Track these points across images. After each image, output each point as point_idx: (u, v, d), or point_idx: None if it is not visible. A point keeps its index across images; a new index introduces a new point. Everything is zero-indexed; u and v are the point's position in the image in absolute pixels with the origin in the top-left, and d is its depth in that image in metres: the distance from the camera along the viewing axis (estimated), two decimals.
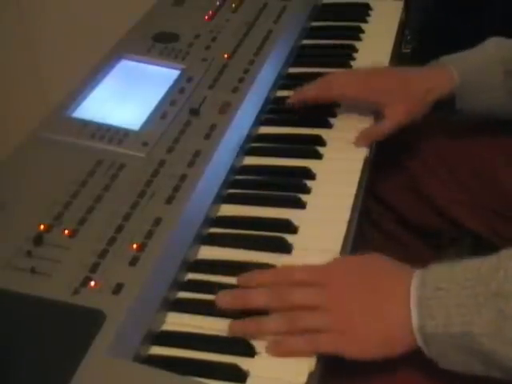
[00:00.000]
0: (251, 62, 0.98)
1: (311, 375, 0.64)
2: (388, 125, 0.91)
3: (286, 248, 0.76)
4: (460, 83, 0.92)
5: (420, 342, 0.65)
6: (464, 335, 0.63)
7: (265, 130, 0.95)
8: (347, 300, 0.68)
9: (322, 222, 0.79)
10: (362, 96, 0.93)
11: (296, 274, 0.71)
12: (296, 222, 0.79)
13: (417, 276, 0.67)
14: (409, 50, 1.60)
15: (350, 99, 0.94)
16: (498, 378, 0.64)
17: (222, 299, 0.69)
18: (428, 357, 0.66)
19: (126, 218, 0.73)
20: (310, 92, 0.94)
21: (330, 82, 0.94)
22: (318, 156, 0.89)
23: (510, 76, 0.91)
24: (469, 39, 0.96)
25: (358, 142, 0.90)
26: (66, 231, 0.71)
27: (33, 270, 0.67)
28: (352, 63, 1.05)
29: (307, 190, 0.84)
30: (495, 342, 0.62)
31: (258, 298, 0.69)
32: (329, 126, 0.94)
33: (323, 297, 0.68)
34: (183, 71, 0.95)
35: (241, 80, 0.94)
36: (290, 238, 0.77)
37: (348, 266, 0.72)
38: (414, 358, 0.68)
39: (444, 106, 0.94)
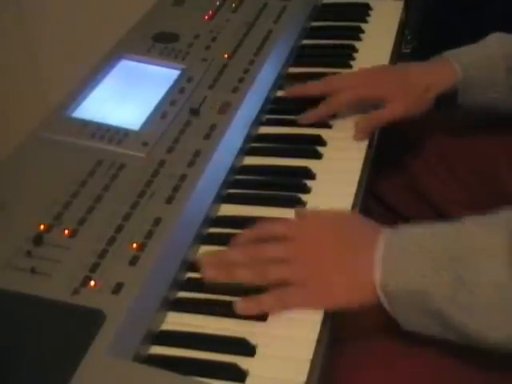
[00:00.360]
0: (251, 62, 0.98)
1: (311, 374, 0.64)
2: (386, 115, 0.92)
3: None
4: (462, 78, 0.92)
5: (382, 297, 0.67)
6: (422, 294, 0.64)
7: (265, 129, 0.95)
8: (316, 253, 0.71)
9: None
10: (362, 93, 0.93)
11: (269, 228, 0.73)
12: None
13: (384, 235, 0.69)
14: (409, 50, 1.60)
15: (351, 99, 0.93)
16: (453, 341, 0.66)
17: (205, 260, 0.72)
18: (391, 315, 0.67)
19: (126, 217, 0.73)
20: (322, 112, 0.94)
21: (332, 84, 0.94)
22: (318, 156, 0.89)
23: None
24: (469, 39, 0.97)
25: (357, 129, 0.91)
26: (66, 231, 0.72)
27: (33, 270, 0.67)
28: (352, 63, 1.05)
29: (307, 190, 0.84)
30: (451, 306, 0.63)
31: (234, 256, 0.72)
32: (329, 126, 0.94)
33: (293, 249, 0.71)
34: (183, 71, 0.95)
35: (241, 80, 0.94)
36: None
37: (322, 221, 0.74)
38: (413, 351, 0.69)
39: (446, 102, 0.95)
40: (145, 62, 0.97)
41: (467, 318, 0.63)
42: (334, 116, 0.95)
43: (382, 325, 0.72)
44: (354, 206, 0.81)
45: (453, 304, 0.63)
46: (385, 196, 1.06)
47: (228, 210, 0.82)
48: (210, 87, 0.93)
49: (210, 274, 0.71)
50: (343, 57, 1.07)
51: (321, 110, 0.93)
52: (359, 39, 1.11)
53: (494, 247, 0.64)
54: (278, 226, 0.74)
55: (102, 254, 0.69)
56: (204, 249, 0.77)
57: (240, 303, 0.68)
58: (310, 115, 0.93)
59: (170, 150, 0.82)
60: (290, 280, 0.69)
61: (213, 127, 0.86)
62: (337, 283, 0.69)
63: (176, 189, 0.77)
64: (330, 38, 1.12)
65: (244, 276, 0.70)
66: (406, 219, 1.05)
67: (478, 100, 0.94)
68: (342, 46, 1.10)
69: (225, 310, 0.69)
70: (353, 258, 0.70)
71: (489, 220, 0.67)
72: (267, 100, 0.97)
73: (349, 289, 0.68)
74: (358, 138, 0.91)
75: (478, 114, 0.97)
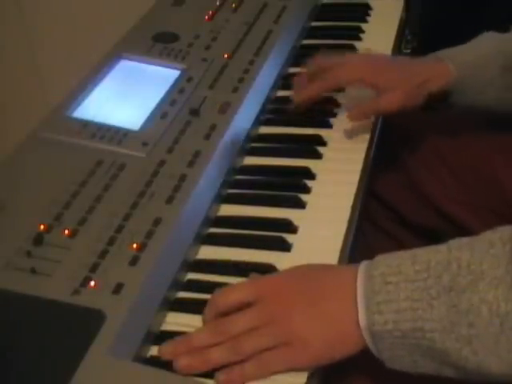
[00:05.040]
0: (251, 62, 0.98)
1: (311, 377, 0.64)
2: (382, 104, 0.92)
3: (285, 248, 0.76)
4: (457, 77, 0.92)
5: (368, 341, 0.62)
6: (414, 331, 0.60)
7: (265, 130, 0.95)
8: (287, 310, 0.64)
9: (322, 222, 0.79)
10: (360, 74, 0.93)
11: (230, 298, 0.67)
12: (296, 222, 0.79)
13: (362, 270, 0.64)
14: (409, 50, 1.59)
15: (348, 78, 0.94)
16: (450, 378, 0.62)
17: (165, 352, 0.65)
18: (376, 357, 0.63)
19: (126, 217, 0.73)
20: (313, 91, 0.94)
21: (333, 60, 0.95)
22: (318, 156, 0.89)
23: (506, 70, 0.92)
24: (469, 39, 0.97)
25: (352, 116, 0.91)
26: (66, 231, 0.71)
27: (33, 270, 0.67)
28: None
29: (307, 190, 0.84)
30: (447, 338, 0.59)
31: (199, 338, 0.65)
32: (329, 125, 0.94)
33: (262, 313, 0.65)
34: (183, 71, 0.95)
35: (241, 80, 0.94)
36: (289, 237, 0.77)
37: (282, 277, 0.69)
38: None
39: (438, 100, 0.95)
40: (145, 62, 0.97)
41: (468, 352, 0.58)
42: (334, 116, 0.95)
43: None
44: (354, 206, 0.81)
45: (448, 336, 0.59)
46: (384, 195, 1.06)
47: (228, 210, 0.82)
48: (210, 87, 0.93)
49: (183, 363, 0.63)
50: None
51: (316, 84, 0.94)
52: (359, 39, 1.11)
53: (494, 273, 0.59)
54: (235, 295, 0.67)
55: (102, 254, 0.69)
56: (204, 249, 0.77)
57: (222, 376, 0.62)
58: (309, 89, 0.94)
59: (170, 150, 0.82)
60: (267, 346, 0.63)
61: (213, 127, 0.86)
62: (313, 337, 0.63)
63: (176, 189, 0.77)
64: (330, 38, 1.12)
65: (219, 357, 0.63)
66: (405, 218, 1.05)
67: (471, 99, 0.94)
68: (342, 46, 1.10)
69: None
70: (329, 305, 0.64)
71: (480, 244, 0.62)
72: (267, 100, 0.97)
73: (327, 340, 0.63)
74: (352, 119, 0.92)
75: (473, 114, 0.97)
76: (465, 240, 0.63)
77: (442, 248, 0.63)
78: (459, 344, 0.59)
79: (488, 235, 0.62)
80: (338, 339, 0.63)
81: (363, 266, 0.65)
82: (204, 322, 0.67)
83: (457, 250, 0.62)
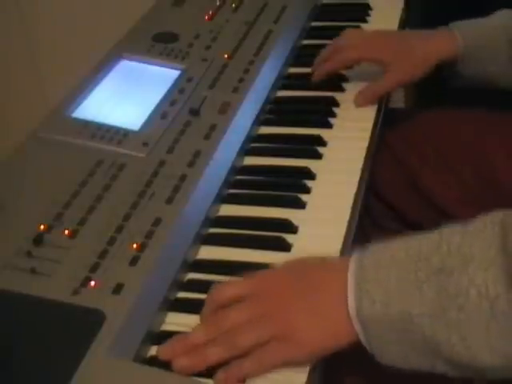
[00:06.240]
0: (251, 62, 0.98)
1: (311, 375, 0.64)
2: (387, 82, 0.96)
3: (285, 248, 0.76)
4: (464, 47, 0.94)
5: (358, 330, 0.61)
6: (402, 315, 0.58)
7: (265, 130, 0.95)
8: (281, 304, 0.65)
9: (322, 222, 0.79)
10: (363, 53, 0.98)
11: (226, 292, 0.67)
12: (296, 222, 0.79)
13: (354, 260, 0.63)
14: None
15: (357, 60, 0.99)
16: (443, 375, 0.60)
17: (163, 352, 0.64)
18: (368, 350, 0.62)
19: (126, 218, 0.73)
20: (328, 67, 0.99)
21: (337, 43, 1.00)
22: (318, 156, 0.89)
23: None
24: None
25: (358, 101, 0.95)
26: (66, 231, 0.71)
27: (33, 270, 0.67)
28: None
29: (307, 190, 0.84)
30: (436, 323, 0.57)
31: (197, 336, 0.64)
32: (329, 125, 0.94)
33: (256, 307, 0.65)
34: (183, 71, 0.95)
35: (241, 80, 0.94)
36: (289, 237, 0.77)
37: (276, 273, 0.69)
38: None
39: (446, 70, 0.98)
40: (145, 62, 0.97)
41: (457, 340, 0.57)
42: (335, 116, 0.95)
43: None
44: (354, 206, 0.81)
45: (438, 321, 0.57)
46: (385, 195, 1.06)
47: (228, 210, 0.82)
48: (210, 87, 0.93)
49: (182, 364, 0.62)
50: None
51: (327, 65, 0.99)
52: None
53: (484, 256, 0.57)
54: (230, 290, 0.67)
55: (102, 255, 0.69)
56: (204, 249, 0.77)
57: (221, 374, 0.62)
58: (318, 73, 1.00)
59: (170, 150, 0.82)
60: (262, 340, 0.63)
61: (213, 127, 0.86)
62: (306, 330, 0.63)
63: (176, 189, 0.77)
64: (330, 38, 1.11)
65: (216, 354, 0.63)
66: (406, 217, 1.05)
67: (477, 71, 0.96)
68: None
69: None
70: (322, 299, 0.64)
71: (471, 228, 0.61)
72: (267, 100, 0.97)
73: (320, 332, 0.62)
74: (359, 105, 0.95)
75: (478, 86, 0.99)
76: (457, 225, 0.62)
77: (433, 233, 0.62)
78: (447, 329, 0.57)
79: (479, 219, 0.62)
80: (330, 331, 0.63)
81: (355, 255, 0.64)
82: (201, 319, 0.67)
83: (448, 234, 0.61)
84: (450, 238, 0.60)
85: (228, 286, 0.68)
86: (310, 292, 0.65)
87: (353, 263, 0.63)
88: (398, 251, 0.62)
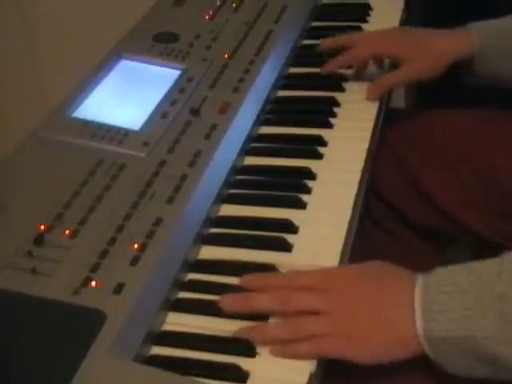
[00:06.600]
0: (251, 62, 0.98)
1: (312, 375, 0.64)
2: (399, 76, 0.97)
3: (286, 248, 0.76)
4: (480, 46, 0.95)
5: (425, 347, 0.64)
6: (468, 339, 0.62)
7: (265, 130, 0.95)
8: (351, 305, 0.67)
9: (323, 222, 0.79)
10: (378, 50, 0.99)
11: (300, 279, 0.69)
12: (296, 222, 0.79)
13: (420, 280, 0.66)
14: None
15: (367, 55, 1.00)
16: (505, 380, 0.64)
17: (226, 301, 0.68)
18: (434, 361, 0.65)
19: (127, 217, 0.73)
20: (341, 62, 1.00)
21: (352, 38, 1.01)
22: (319, 156, 0.89)
23: None
24: None
25: (370, 92, 0.96)
26: (67, 231, 0.71)
27: (33, 270, 0.67)
28: None
29: (307, 190, 0.83)
30: (500, 345, 0.61)
31: (261, 302, 0.68)
32: (329, 125, 0.94)
33: (327, 302, 0.67)
34: (183, 71, 0.95)
35: (241, 80, 0.94)
36: (290, 238, 0.77)
37: (351, 272, 0.71)
38: (417, 359, 0.68)
39: (462, 69, 0.99)
40: (145, 62, 0.97)
41: None
42: (334, 116, 0.95)
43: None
44: (354, 206, 0.81)
45: (501, 343, 0.61)
46: (385, 195, 1.06)
47: (229, 210, 0.82)
48: (211, 87, 0.93)
49: (240, 334, 0.67)
50: None
51: (338, 60, 0.99)
52: None
53: None
54: (304, 278, 0.70)
55: (103, 254, 0.69)
56: (205, 249, 0.77)
57: (276, 349, 0.65)
58: (328, 65, 1.00)
59: (170, 150, 0.82)
60: (327, 334, 0.66)
61: (213, 127, 0.85)
62: (373, 338, 0.66)
63: (177, 189, 0.77)
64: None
65: (277, 333, 0.66)
66: (406, 218, 1.05)
67: (493, 69, 0.97)
68: None
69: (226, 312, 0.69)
70: (390, 309, 0.66)
71: None
72: (267, 100, 0.97)
73: (390, 343, 0.66)
74: (370, 97, 0.96)
75: (492, 85, 0.99)
76: None
77: (495, 260, 0.65)
78: (510, 349, 0.61)
79: None
80: (397, 344, 0.65)
81: (421, 275, 0.67)
82: (260, 281, 0.70)
83: (509, 261, 0.64)
84: (511, 266, 0.63)
85: (305, 275, 0.70)
86: (378, 299, 0.67)
87: (419, 282, 0.66)
88: (459, 277, 0.65)
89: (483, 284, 0.63)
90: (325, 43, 1.03)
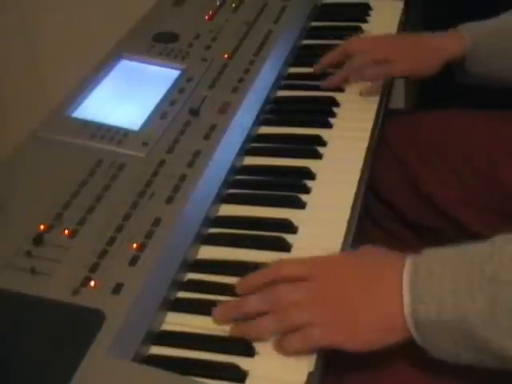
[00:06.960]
0: (251, 62, 0.98)
1: (311, 375, 0.64)
2: (394, 69, 0.99)
3: (285, 248, 0.76)
4: (471, 46, 0.97)
5: (412, 328, 0.63)
6: (457, 321, 0.61)
7: (265, 130, 0.95)
8: (338, 291, 0.67)
9: (322, 222, 0.79)
10: (373, 56, 0.99)
11: (286, 270, 0.69)
12: (296, 222, 0.79)
13: (409, 262, 0.66)
14: None
15: (363, 63, 0.99)
16: (489, 367, 0.63)
17: (218, 313, 0.68)
18: (420, 345, 0.64)
19: (126, 217, 0.73)
20: (343, 74, 1.00)
21: (345, 49, 1.02)
22: (318, 156, 0.89)
23: None
24: None
25: (366, 76, 0.98)
26: (66, 231, 0.71)
27: (33, 270, 0.67)
28: None
29: (307, 190, 0.84)
30: (488, 329, 0.60)
31: (250, 305, 0.68)
32: (328, 125, 0.94)
33: (313, 290, 0.67)
34: (183, 71, 0.95)
35: (241, 80, 0.94)
36: (289, 237, 0.77)
37: (337, 259, 0.72)
38: (413, 357, 0.68)
39: (455, 68, 1.00)
40: (145, 62, 0.97)
41: (510, 344, 0.60)
42: (334, 116, 0.95)
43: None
44: (354, 206, 0.81)
45: (490, 327, 0.60)
46: (385, 195, 1.06)
47: (228, 210, 0.82)
48: (210, 87, 0.93)
49: (234, 331, 0.67)
50: None
51: (337, 76, 1.00)
52: None
53: None
54: (290, 268, 0.69)
55: (102, 254, 0.69)
56: (204, 249, 0.77)
57: (278, 346, 0.65)
58: (330, 81, 1.00)
59: (169, 150, 0.82)
60: (316, 322, 0.65)
61: (213, 127, 0.86)
62: (364, 322, 0.65)
63: (176, 189, 0.77)
64: (330, 38, 1.12)
65: (267, 326, 0.66)
66: (406, 218, 1.05)
67: (485, 69, 0.98)
68: None
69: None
70: (378, 293, 0.66)
71: None
72: (267, 100, 0.97)
73: (378, 327, 0.65)
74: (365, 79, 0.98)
75: (485, 85, 1.00)
76: (510, 235, 0.64)
77: (486, 243, 0.64)
78: (499, 335, 0.60)
79: None
80: (386, 324, 0.65)
81: (411, 257, 0.66)
82: (249, 284, 0.70)
83: (500, 243, 0.63)
84: (502, 248, 0.62)
85: (290, 264, 0.70)
86: (365, 283, 0.67)
87: (408, 264, 0.65)
88: (450, 260, 0.64)
89: (474, 266, 0.62)
90: (324, 62, 1.02)
